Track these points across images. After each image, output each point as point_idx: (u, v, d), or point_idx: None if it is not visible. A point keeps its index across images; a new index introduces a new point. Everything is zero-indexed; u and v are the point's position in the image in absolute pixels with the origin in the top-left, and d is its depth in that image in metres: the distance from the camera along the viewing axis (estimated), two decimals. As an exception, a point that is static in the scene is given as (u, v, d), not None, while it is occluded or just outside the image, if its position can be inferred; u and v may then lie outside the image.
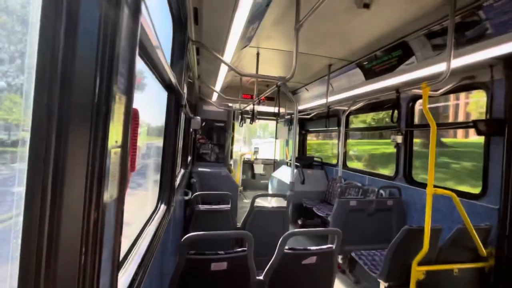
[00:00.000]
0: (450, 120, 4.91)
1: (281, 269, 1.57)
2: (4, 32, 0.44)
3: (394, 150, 3.75)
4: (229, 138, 5.62)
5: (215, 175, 4.77)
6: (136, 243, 1.16)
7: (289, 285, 1.65)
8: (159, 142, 1.96)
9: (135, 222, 1.41)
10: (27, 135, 0.39)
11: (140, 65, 1.17)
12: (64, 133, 0.40)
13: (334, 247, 1.65)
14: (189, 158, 4.78)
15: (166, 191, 1.86)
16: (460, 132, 4.45)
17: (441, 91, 2.75)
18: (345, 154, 5.00)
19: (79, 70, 0.42)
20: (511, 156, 2.23)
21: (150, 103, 1.85)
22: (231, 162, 6.31)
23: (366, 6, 2.03)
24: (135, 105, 0.64)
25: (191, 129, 4.09)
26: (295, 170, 4.38)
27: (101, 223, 0.48)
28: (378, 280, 2.34)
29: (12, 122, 0.48)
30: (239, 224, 2.81)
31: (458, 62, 2.15)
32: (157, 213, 1.65)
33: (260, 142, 10.28)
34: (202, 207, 2.72)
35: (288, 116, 6.75)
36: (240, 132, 8.61)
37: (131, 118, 0.60)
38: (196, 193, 2.87)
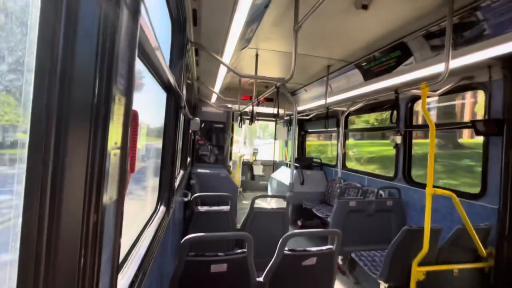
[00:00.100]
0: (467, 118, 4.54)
1: (281, 270, 1.57)
2: (3, 32, 0.44)
3: (393, 150, 3.75)
4: (228, 139, 5.62)
5: (215, 176, 4.77)
6: (136, 244, 1.15)
7: (289, 286, 1.65)
8: (158, 143, 1.95)
9: (131, 228, 1.40)
10: (25, 136, 0.39)
11: (138, 66, 1.17)
12: (63, 134, 0.40)
13: (334, 248, 1.65)
14: (188, 160, 4.77)
15: (165, 193, 1.86)
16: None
17: (439, 91, 2.76)
18: (344, 154, 5.00)
19: (78, 71, 0.42)
20: (510, 156, 2.24)
21: (149, 103, 1.85)
22: (230, 163, 6.31)
23: (365, 7, 2.04)
24: (134, 106, 0.64)
25: (190, 131, 4.09)
26: (295, 171, 4.38)
27: (100, 225, 0.48)
28: (378, 281, 2.34)
29: (10, 123, 0.48)
30: (238, 226, 2.81)
31: (457, 62, 2.16)
32: (156, 214, 1.65)
33: (260, 143, 10.28)
34: (202, 208, 2.72)
35: (287, 117, 6.75)
36: (240, 133, 8.61)
37: (131, 119, 0.60)
38: (196, 195, 2.86)
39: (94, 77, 0.45)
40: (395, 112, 3.57)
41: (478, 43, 1.99)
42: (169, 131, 1.91)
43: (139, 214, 1.68)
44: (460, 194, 2.55)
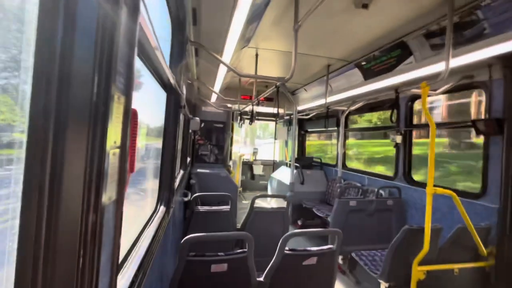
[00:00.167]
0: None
1: (282, 270, 1.57)
2: (1, 31, 0.43)
3: (394, 149, 3.75)
4: (228, 139, 5.62)
5: (215, 176, 4.77)
6: (136, 245, 1.15)
7: (289, 286, 1.65)
8: (158, 143, 1.95)
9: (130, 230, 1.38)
10: (23, 136, 0.38)
11: (137, 65, 1.16)
12: (62, 133, 0.39)
13: (334, 248, 1.64)
14: (188, 159, 4.77)
15: (165, 192, 1.85)
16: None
17: (440, 90, 2.76)
18: (345, 154, 5.00)
19: (77, 69, 0.41)
20: (510, 155, 2.24)
21: (149, 103, 1.84)
22: (230, 163, 6.31)
23: (365, 6, 2.04)
24: (133, 105, 0.64)
25: (190, 130, 4.09)
26: (295, 171, 4.37)
27: (99, 225, 0.48)
28: (379, 280, 2.33)
29: (8, 123, 0.47)
30: (239, 225, 2.80)
31: (457, 61, 2.16)
32: (156, 214, 1.65)
33: (260, 142, 10.28)
34: (202, 208, 2.71)
35: (287, 117, 6.75)
36: (239, 133, 8.61)
37: (130, 119, 0.59)
38: (196, 194, 2.86)
39: (93, 75, 0.44)
40: (395, 111, 3.56)
41: (478, 42, 1.98)
42: (169, 131, 1.91)
43: (137, 222, 1.62)
44: (460, 193, 2.55)
